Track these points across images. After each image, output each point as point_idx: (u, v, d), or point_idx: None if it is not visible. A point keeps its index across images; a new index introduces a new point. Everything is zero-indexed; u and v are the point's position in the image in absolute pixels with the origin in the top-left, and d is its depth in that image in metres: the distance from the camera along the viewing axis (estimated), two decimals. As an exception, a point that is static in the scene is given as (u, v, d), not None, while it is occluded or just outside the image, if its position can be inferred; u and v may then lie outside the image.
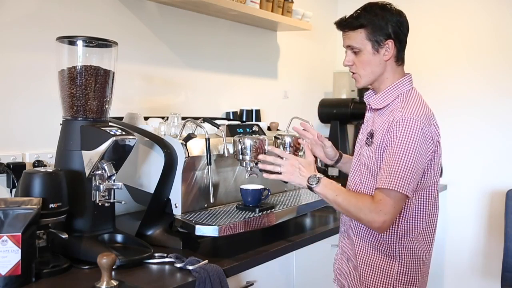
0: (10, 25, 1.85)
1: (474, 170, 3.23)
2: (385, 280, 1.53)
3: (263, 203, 1.91)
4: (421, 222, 1.54)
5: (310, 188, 1.52)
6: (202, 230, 1.62)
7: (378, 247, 1.55)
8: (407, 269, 1.53)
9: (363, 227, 1.57)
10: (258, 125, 2.12)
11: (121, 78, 1.82)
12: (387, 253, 1.54)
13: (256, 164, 1.83)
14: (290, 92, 3.30)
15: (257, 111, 2.83)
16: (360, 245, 1.58)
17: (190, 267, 1.49)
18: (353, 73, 1.58)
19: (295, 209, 1.99)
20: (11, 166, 1.79)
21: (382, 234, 1.52)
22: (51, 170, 1.51)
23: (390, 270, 1.53)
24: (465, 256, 3.25)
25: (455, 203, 3.29)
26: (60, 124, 1.65)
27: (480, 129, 3.20)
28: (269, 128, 2.48)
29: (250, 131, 2.04)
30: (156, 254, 1.60)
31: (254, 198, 1.88)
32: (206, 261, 1.53)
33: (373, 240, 1.55)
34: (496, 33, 3.14)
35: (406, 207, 1.51)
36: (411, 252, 1.54)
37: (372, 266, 1.55)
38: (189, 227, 1.66)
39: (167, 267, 1.55)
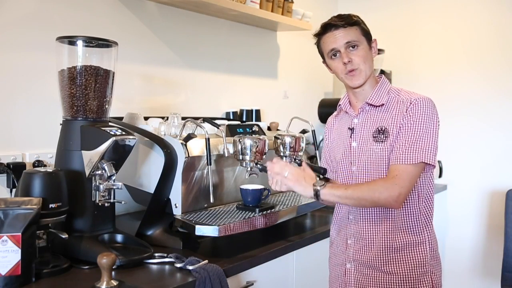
0: (10, 25, 1.85)
1: (474, 170, 3.23)
2: (421, 269, 1.54)
3: (263, 203, 1.91)
4: (432, 199, 1.60)
5: (317, 192, 1.49)
6: (202, 230, 1.63)
7: (408, 234, 1.54)
8: (435, 252, 1.57)
9: (384, 224, 1.55)
10: (258, 125, 2.12)
11: (121, 78, 1.82)
12: (417, 237, 1.54)
13: (256, 164, 1.83)
14: (290, 92, 3.30)
15: (257, 111, 2.83)
16: (388, 242, 1.55)
17: (190, 267, 1.49)
18: (352, 71, 1.57)
19: (295, 209, 1.99)
20: (11, 166, 1.79)
21: (408, 219, 1.54)
22: (51, 170, 1.51)
23: (424, 255, 1.54)
24: (465, 256, 3.25)
25: (455, 203, 3.29)
26: (60, 124, 1.65)
27: (480, 129, 3.20)
28: (269, 128, 2.48)
29: (250, 131, 2.04)
30: (156, 254, 1.60)
31: (254, 198, 1.88)
32: (206, 261, 1.53)
33: (401, 228, 1.55)
34: (496, 33, 3.14)
35: (422, 184, 1.55)
36: (432, 232, 1.58)
37: (406, 259, 1.54)
38: (189, 227, 1.66)
39: (167, 267, 1.55)
